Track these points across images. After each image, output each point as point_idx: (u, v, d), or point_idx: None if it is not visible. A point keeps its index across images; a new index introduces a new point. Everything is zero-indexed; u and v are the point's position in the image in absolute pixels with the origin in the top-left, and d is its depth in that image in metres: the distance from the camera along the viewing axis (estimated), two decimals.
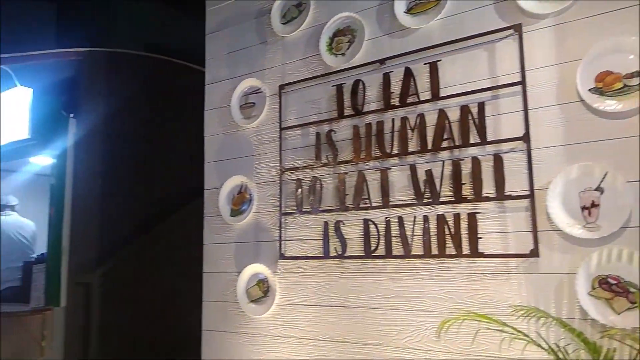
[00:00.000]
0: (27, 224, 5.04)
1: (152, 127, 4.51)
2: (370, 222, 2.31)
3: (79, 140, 3.97)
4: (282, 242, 2.59)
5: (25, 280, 4.17)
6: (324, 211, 2.47)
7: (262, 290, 2.64)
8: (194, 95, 3.27)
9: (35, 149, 4.02)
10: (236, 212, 2.81)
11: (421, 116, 2.24)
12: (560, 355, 1.63)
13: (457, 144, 2.14)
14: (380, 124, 2.35)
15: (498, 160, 2.04)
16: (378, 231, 2.28)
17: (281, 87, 2.70)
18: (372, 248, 2.29)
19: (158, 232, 4.25)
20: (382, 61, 2.38)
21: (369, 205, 2.33)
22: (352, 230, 2.37)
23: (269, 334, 2.58)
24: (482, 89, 2.11)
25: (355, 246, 2.36)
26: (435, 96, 2.22)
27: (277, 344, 2.54)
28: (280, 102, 2.69)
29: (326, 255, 2.43)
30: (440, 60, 2.23)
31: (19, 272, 4.68)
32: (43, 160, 4.39)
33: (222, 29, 3.03)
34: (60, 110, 3.91)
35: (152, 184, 4.44)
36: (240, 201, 2.81)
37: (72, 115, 3.96)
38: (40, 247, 4.82)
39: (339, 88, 2.50)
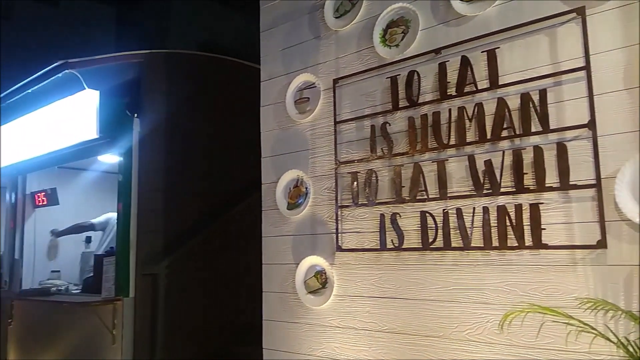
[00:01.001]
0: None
1: (210, 124, 4.66)
2: (427, 214, 2.29)
3: (143, 138, 4.16)
4: (339, 234, 2.61)
5: (97, 272, 4.44)
6: (379, 204, 2.48)
7: (320, 282, 2.68)
8: (249, 92, 3.35)
9: (103, 148, 4.25)
10: (293, 206, 2.86)
11: (479, 105, 2.20)
12: (630, 349, 1.56)
13: (517, 133, 2.09)
14: (436, 114, 2.32)
15: (562, 149, 1.97)
16: (436, 223, 2.27)
17: (335, 81, 2.72)
18: (430, 240, 2.28)
19: (219, 225, 4.40)
20: (437, 51, 2.35)
21: (425, 197, 2.31)
22: (409, 223, 2.37)
23: (328, 324, 2.62)
24: (543, 75, 2.04)
25: (412, 238, 2.35)
26: (494, 84, 2.16)
27: (337, 334, 2.57)
28: (334, 96, 2.71)
29: (383, 247, 2.43)
30: (498, 48, 2.18)
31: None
32: (111, 159, 4.64)
33: (276, 26, 3.08)
34: (125, 111, 4.12)
35: (212, 178, 4.59)
36: (297, 195, 2.86)
37: (135, 115, 4.15)
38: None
39: (394, 80, 2.49)
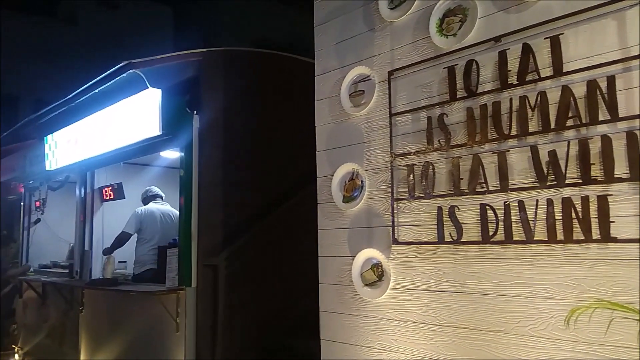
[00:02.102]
0: (175, 213, 5.60)
1: (266, 118, 4.74)
2: (487, 207, 2.25)
3: (202, 134, 4.30)
4: (395, 227, 2.60)
5: (161, 263, 4.64)
6: (437, 196, 2.45)
7: (376, 275, 2.68)
8: (304, 87, 3.38)
9: (165, 144, 4.43)
10: (348, 199, 2.88)
11: (542, 94, 2.12)
12: None
13: (584, 121, 2.00)
14: (496, 104, 2.26)
15: (632, 138, 1.88)
16: (496, 216, 2.22)
17: (390, 73, 2.70)
18: (491, 233, 2.23)
19: (276, 217, 4.48)
20: (497, 39, 2.29)
21: (485, 189, 2.26)
22: (468, 216, 2.32)
23: (385, 317, 2.62)
24: (611, 61, 1.95)
25: (471, 232, 2.31)
26: (558, 72, 2.08)
27: (394, 327, 2.57)
28: (389, 88, 2.70)
29: (441, 240, 2.41)
30: (562, 34, 2.09)
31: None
32: (172, 154, 4.83)
33: (330, 20, 3.09)
34: (185, 108, 4.27)
35: (269, 172, 4.68)
36: (352, 188, 2.87)
37: (195, 112, 4.29)
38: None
39: (451, 70, 2.44)
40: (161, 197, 5.64)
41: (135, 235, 5.37)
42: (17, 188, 7.66)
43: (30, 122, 5.72)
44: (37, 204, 6.88)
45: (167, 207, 5.60)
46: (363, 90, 2.85)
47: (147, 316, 4.52)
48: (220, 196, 4.37)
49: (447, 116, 2.44)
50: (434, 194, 2.45)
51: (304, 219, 4.29)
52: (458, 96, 2.41)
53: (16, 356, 6.68)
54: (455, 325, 2.34)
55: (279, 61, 5.02)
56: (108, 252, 5.32)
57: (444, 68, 2.47)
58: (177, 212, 5.48)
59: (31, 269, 6.69)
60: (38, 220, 6.88)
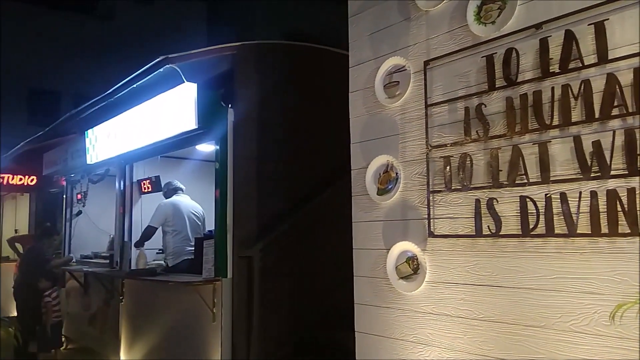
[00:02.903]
0: (198, 206, 5.70)
1: (299, 111, 4.75)
2: (527, 199, 2.19)
3: (237, 127, 4.34)
4: (431, 220, 2.57)
5: (198, 254, 4.73)
6: (475, 188, 2.40)
7: (411, 268, 2.66)
8: (338, 79, 3.36)
9: (201, 137, 4.50)
10: (383, 191, 2.85)
11: (586, 82, 2.04)
12: None
13: (630, 110, 1.92)
14: (537, 93, 2.19)
15: None
16: (537, 209, 2.15)
17: (426, 63, 2.65)
18: (531, 227, 2.17)
19: (310, 210, 4.50)
20: (538, 26, 2.21)
21: (525, 181, 2.20)
22: (507, 208, 2.27)
23: (420, 310, 2.60)
24: None
25: (510, 224, 2.25)
26: (603, 59, 2.00)
27: (430, 321, 2.55)
28: (425, 79, 2.65)
29: (478, 233, 2.36)
30: (607, 20, 2.01)
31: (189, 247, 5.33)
32: (208, 148, 4.90)
33: (364, 11, 3.06)
34: (220, 102, 4.32)
35: (303, 164, 4.70)
36: (387, 180, 2.85)
37: (229, 105, 4.34)
38: (208, 225, 5.42)
39: (489, 59, 2.38)
40: (182, 190, 5.73)
41: (163, 229, 5.49)
42: (60, 181, 7.93)
43: (71, 117, 5.90)
44: (79, 196, 7.11)
45: (188, 200, 5.69)
46: (398, 81, 2.81)
47: (184, 306, 4.62)
48: (255, 188, 4.41)
49: (486, 106, 2.38)
50: (471, 186, 2.41)
51: (338, 212, 4.28)
52: (497, 86, 2.35)
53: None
54: (493, 320, 2.30)
55: (312, 53, 5.02)
56: (137, 245, 5.47)
57: (482, 57, 2.41)
58: (198, 205, 5.60)
59: (73, 260, 6.93)
60: (80, 213, 7.12)
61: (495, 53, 2.36)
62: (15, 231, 9.74)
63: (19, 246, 7.85)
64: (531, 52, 2.24)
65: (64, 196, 7.50)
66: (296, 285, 4.44)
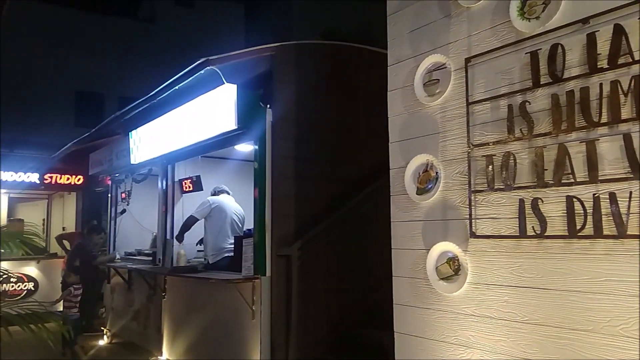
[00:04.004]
0: (240, 208, 5.81)
1: (337, 110, 4.76)
2: (574, 199, 2.12)
3: (275, 127, 4.39)
4: (472, 220, 2.52)
5: (237, 252, 4.81)
6: (518, 188, 2.34)
7: (452, 269, 2.62)
8: (376, 77, 3.35)
9: (241, 137, 4.57)
10: (422, 191, 2.82)
11: (636, 78, 1.96)
12: None
13: None
14: (584, 90, 2.12)
15: None
16: (584, 209, 2.08)
17: (467, 60, 2.61)
18: (578, 227, 2.10)
19: (349, 209, 4.50)
20: (585, 20, 2.14)
21: (572, 180, 2.13)
22: (553, 208, 2.20)
23: (461, 312, 2.56)
24: None
25: (556, 225, 2.19)
26: None
27: (471, 323, 2.51)
28: (466, 76, 2.61)
29: (522, 234, 2.30)
30: None
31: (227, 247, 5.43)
32: (247, 148, 4.97)
33: (403, 8, 3.03)
34: (258, 102, 4.37)
35: (340, 164, 4.71)
36: (426, 179, 2.81)
37: (268, 105, 4.39)
38: (247, 224, 5.50)
39: (534, 55, 2.32)
40: (228, 192, 5.86)
41: (205, 226, 5.60)
42: (105, 180, 8.21)
43: (115, 119, 6.09)
44: (123, 195, 7.35)
45: (233, 201, 5.80)
46: (438, 79, 2.77)
47: (224, 303, 4.70)
48: (293, 188, 4.45)
49: (530, 104, 2.32)
50: (515, 185, 2.35)
51: (377, 211, 4.27)
52: (542, 82, 2.28)
53: (105, 337, 7.20)
54: (537, 323, 2.24)
55: (350, 52, 5.02)
56: (179, 238, 5.61)
57: (526, 53, 2.35)
58: (240, 207, 5.70)
59: (118, 257, 7.17)
60: (124, 211, 7.36)
61: (540, 49, 2.30)
62: (63, 229, 10.16)
63: (66, 243, 8.18)
64: (578, 48, 2.17)
65: (109, 195, 7.77)
66: (334, 284, 4.45)
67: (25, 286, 8.78)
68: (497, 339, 2.39)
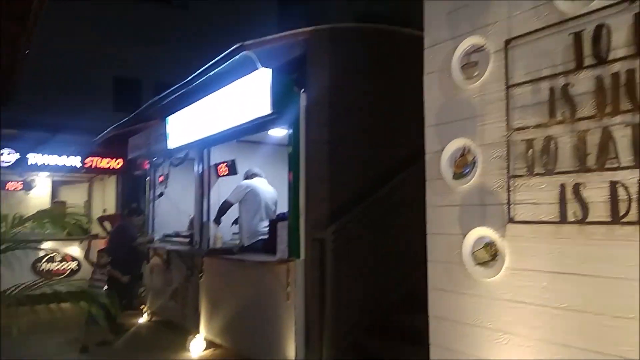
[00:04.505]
0: (273, 190, 5.88)
1: (372, 94, 4.73)
2: (618, 185, 2.06)
3: (309, 112, 4.40)
4: (511, 205, 2.49)
5: (272, 235, 4.88)
6: (559, 173, 2.29)
7: (489, 254, 2.59)
8: (411, 60, 3.31)
9: (275, 122, 4.60)
10: (459, 175, 2.79)
11: None
12: None
13: None
14: (630, 72, 2.05)
15: None
16: (629, 194, 2.03)
17: (507, 42, 2.55)
18: (622, 213, 2.05)
19: (383, 194, 4.50)
20: (631, 0, 2.06)
21: (617, 165, 2.08)
22: (595, 194, 2.15)
23: (498, 297, 2.54)
24: None
25: (598, 211, 2.14)
26: None
27: (508, 308, 2.49)
28: (506, 58, 2.55)
29: (563, 220, 2.26)
30: None
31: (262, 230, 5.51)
32: (281, 132, 5.01)
33: None
34: (293, 87, 4.39)
35: (375, 148, 4.69)
36: (463, 164, 2.78)
37: (302, 90, 4.40)
38: (281, 207, 5.56)
39: (577, 36, 2.25)
40: (260, 175, 5.93)
41: (240, 209, 5.69)
42: (143, 164, 8.43)
43: (153, 104, 6.21)
44: (161, 179, 7.53)
45: (265, 184, 5.87)
46: (476, 62, 2.72)
47: (259, 284, 4.80)
48: (327, 172, 4.47)
49: (572, 86, 2.26)
50: (556, 170, 2.30)
51: (412, 196, 4.25)
52: (585, 64, 2.22)
53: (144, 315, 7.45)
54: (577, 310, 2.21)
55: (385, 35, 4.95)
56: (216, 220, 5.73)
57: (570, 34, 2.28)
58: (273, 190, 5.76)
59: (156, 238, 7.38)
60: (162, 194, 7.55)
61: (584, 30, 2.22)
62: (104, 210, 10.52)
63: (107, 224, 8.46)
64: (624, 28, 2.09)
65: (148, 178, 7.97)
66: (369, 267, 4.47)
67: (68, 265, 9.16)
68: (534, 325, 2.37)
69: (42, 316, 2.52)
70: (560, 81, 2.30)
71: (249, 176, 5.92)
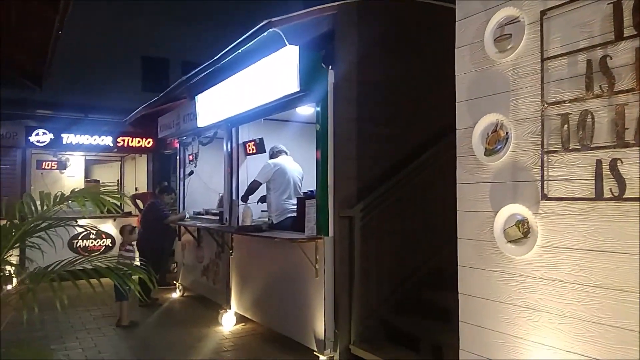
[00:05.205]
0: (299, 167, 5.91)
1: (401, 69, 4.67)
2: None
3: (337, 88, 4.37)
4: (544, 182, 2.44)
5: (300, 213, 4.92)
6: (596, 148, 2.23)
7: (521, 231, 2.56)
8: (442, 34, 3.24)
9: (302, 100, 4.59)
10: (491, 152, 2.74)
11: None
12: None
13: None
14: None
15: None
16: None
17: (543, 12, 2.46)
18: None
19: (412, 171, 4.47)
20: None
21: None
22: (633, 170, 2.09)
23: (529, 275, 2.52)
24: None
25: (636, 187, 2.08)
26: None
27: (540, 286, 2.46)
28: (541, 30, 2.47)
29: (599, 196, 2.21)
30: None
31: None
32: (308, 110, 4.99)
33: None
34: (320, 63, 4.35)
35: (404, 125, 4.65)
36: (495, 140, 2.73)
37: (330, 66, 4.36)
38: (309, 185, 5.59)
39: (617, 5, 2.15)
40: (286, 152, 5.95)
41: (268, 187, 5.75)
42: (173, 143, 8.55)
43: (182, 84, 6.26)
44: (190, 157, 7.65)
45: (291, 161, 5.89)
46: (510, 34, 2.64)
47: (289, 261, 4.86)
48: (355, 150, 4.45)
49: (611, 58, 2.18)
50: (592, 145, 2.24)
51: (441, 173, 4.22)
52: (625, 35, 2.13)
53: (177, 291, 7.67)
54: (612, 287, 2.17)
55: (415, 8, 4.85)
56: (243, 199, 5.82)
57: (609, 4, 2.19)
58: (299, 166, 5.78)
59: (187, 216, 7.53)
60: (192, 172, 7.68)
61: None
62: (136, 189, 10.76)
63: (139, 202, 8.67)
64: None
65: (177, 157, 8.10)
66: (397, 245, 4.48)
67: (103, 242, 9.45)
68: (567, 303, 2.34)
69: (83, 291, 2.62)
70: (598, 53, 2.22)
71: (274, 153, 5.94)
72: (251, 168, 6.23)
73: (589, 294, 2.26)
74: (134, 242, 6.38)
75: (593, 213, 2.24)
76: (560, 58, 2.39)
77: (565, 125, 2.34)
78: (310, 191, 5.17)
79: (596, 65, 2.23)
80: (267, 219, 5.90)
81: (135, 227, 6.64)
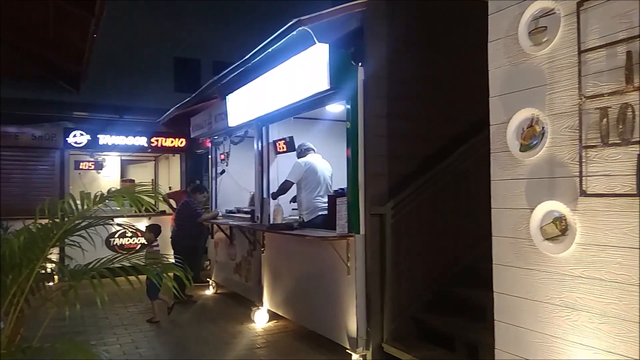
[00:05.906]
0: (328, 165, 5.92)
1: (431, 65, 4.61)
2: None
3: (367, 86, 4.35)
4: (583, 178, 2.37)
5: (331, 211, 4.92)
6: (637, 142, 2.15)
7: (559, 229, 2.49)
8: (474, 28, 3.19)
9: (332, 98, 4.58)
10: (526, 147, 2.68)
11: None
12: None
13: None
14: None
15: None
16: None
17: (579, 4, 2.39)
18: None
19: (443, 168, 4.42)
20: None
21: None
22: None
23: (568, 273, 2.45)
24: None
25: None
26: None
27: (578, 284, 2.40)
28: (578, 22, 2.40)
29: None
30: None
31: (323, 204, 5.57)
32: (337, 108, 4.99)
33: None
34: (350, 61, 4.34)
35: (435, 121, 4.60)
36: (530, 135, 2.67)
37: (359, 64, 4.35)
38: (338, 183, 5.60)
39: None
40: (314, 150, 5.96)
41: (299, 185, 5.77)
42: (205, 143, 8.68)
43: (213, 84, 6.35)
44: (222, 157, 7.76)
45: (320, 159, 5.90)
46: (545, 27, 2.58)
47: (320, 258, 4.87)
48: (386, 147, 4.43)
49: None
50: (633, 139, 2.16)
51: (473, 170, 4.16)
52: None
53: (210, 288, 7.79)
54: None
55: (443, 3, 4.78)
56: (274, 197, 5.86)
57: None
58: (328, 164, 5.79)
59: (219, 214, 7.64)
60: (223, 171, 7.79)
61: None
62: (169, 188, 10.97)
63: (172, 201, 8.84)
64: None
65: (209, 156, 8.23)
66: (429, 243, 4.43)
67: (139, 240, 9.68)
68: (607, 302, 2.27)
69: (121, 288, 2.70)
70: (639, 44, 2.14)
71: (302, 151, 5.95)
72: (281, 166, 6.27)
73: (630, 292, 2.19)
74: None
75: (635, 209, 2.17)
76: (598, 50, 2.31)
77: (605, 119, 2.26)
78: (341, 189, 5.17)
79: (637, 57, 2.15)
80: (298, 217, 5.93)
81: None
